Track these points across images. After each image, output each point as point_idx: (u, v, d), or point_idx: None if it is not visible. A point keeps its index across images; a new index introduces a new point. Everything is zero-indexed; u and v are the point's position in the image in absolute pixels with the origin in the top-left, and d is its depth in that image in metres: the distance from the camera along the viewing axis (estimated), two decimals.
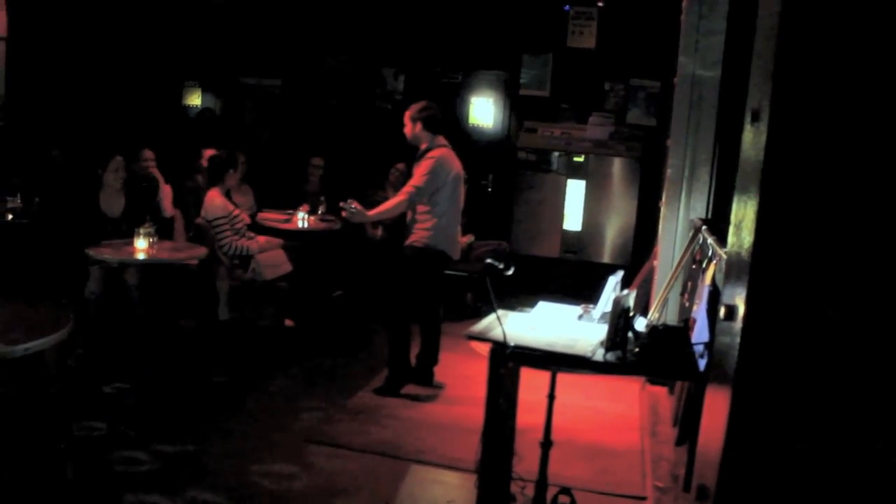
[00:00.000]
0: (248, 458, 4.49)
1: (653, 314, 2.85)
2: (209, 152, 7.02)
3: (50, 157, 7.57)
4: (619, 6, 9.15)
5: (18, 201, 6.63)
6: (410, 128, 5.70)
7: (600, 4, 9.22)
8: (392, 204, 5.70)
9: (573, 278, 9.23)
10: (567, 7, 9.28)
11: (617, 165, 9.30)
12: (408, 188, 5.57)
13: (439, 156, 5.60)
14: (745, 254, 1.89)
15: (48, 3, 8.19)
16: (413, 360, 5.78)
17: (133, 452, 4.44)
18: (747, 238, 1.86)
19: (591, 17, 9.24)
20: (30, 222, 6.48)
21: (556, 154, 9.35)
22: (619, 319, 2.79)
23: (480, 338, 2.93)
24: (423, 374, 5.80)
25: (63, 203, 6.65)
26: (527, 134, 9.46)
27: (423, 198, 5.52)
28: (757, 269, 1.78)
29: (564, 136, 9.33)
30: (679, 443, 4.12)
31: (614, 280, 3.34)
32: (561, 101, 9.51)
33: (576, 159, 9.31)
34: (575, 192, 9.32)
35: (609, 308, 2.99)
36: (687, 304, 5.05)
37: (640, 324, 2.96)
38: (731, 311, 1.91)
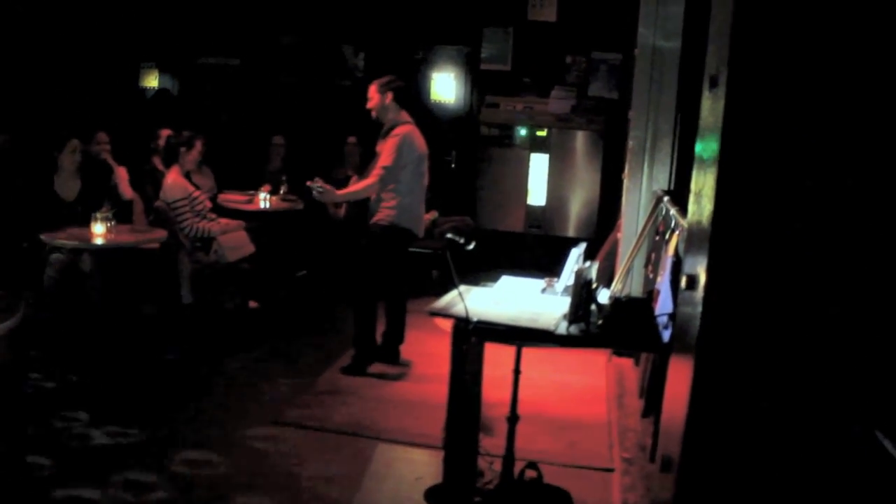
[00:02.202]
0: (210, 443, 4.43)
1: (616, 286, 2.83)
2: (165, 132, 6.89)
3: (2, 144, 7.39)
4: None
5: None
6: (379, 99, 5.60)
7: None
8: (363, 185, 5.63)
9: (538, 252, 9.24)
10: None
11: (580, 139, 9.29)
12: (377, 170, 5.48)
13: (404, 133, 5.52)
14: (705, 223, 1.87)
15: None
16: (379, 339, 5.75)
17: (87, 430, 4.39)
18: (707, 207, 1.84)
19: None
20: None
21: (519, 128, 9.31)
22: (582, 292, 2.77)
23: (443, 314, 2.89)
24: (390, 352, 5.77)
25: (15, 188, 6.50)
26: (489, 109, 9.41)
27: (395, 175, 5.44)
28: (717, 238, 1.77)
29: (527, 111, 9.29)
30: (645, 414, 4.15)
31: (577, 252, 3.32)
32: (523, 75, 9.45)
33: (538, 133, 9.28)
34: (538, 166, 9.30)
35: (572, 281, 2.97)
36: (651, 276, 5.06)
37: (604, 296, 2.94)
38: (692, 280, 1.90)
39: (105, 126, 7.22)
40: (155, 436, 4.48)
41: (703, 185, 1.91)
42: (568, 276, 3.27)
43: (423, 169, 5.71)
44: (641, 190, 5.83)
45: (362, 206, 6.05)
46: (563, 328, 2.80)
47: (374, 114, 5.65)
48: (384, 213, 5.53)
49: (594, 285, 2.92)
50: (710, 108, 1.91)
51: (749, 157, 1.72)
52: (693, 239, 2.02)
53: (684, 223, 3.77)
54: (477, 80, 9.60)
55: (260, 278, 6.75)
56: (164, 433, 4.52)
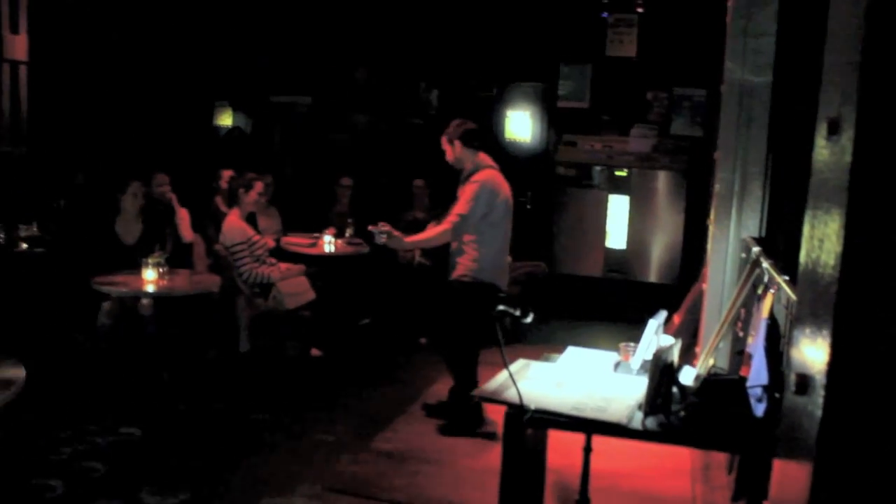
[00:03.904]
0: None
1: (703, 363, 2.40)
2: (227, 173, 6.70)
3: (73, 183, 7.35)
4: (659, 11, 8.68)
5: (35, 229, 6.38)
6: (451, 151, 5.25)
7: (640, 10, 8.76)
8: (434, 233, 5.24)
9: (618, 299, 8.77)
10: (606, 14, 8.84)
11: (662, 179, 8.83)
12: (452, 217, 5.09)
13: (484, 179, 5.13)
14: (822, 307, 1.45)
15: (70, 24, 7.98)
16: (447, 395, 5.36)
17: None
18: (826, 291, 1.43)
19: (631, 24, 8.78)
20: (45, 251, 6.22)
21: (598, 168, 8.91)
22: (662, 378, 2.33)
23: (493, 399, 2.47)
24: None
25: (79, 230, 6.40)
26: (566, 147, 9.04)
27: (470, 226, 5.05)
28: (843, 324, 1.35)
29: (606, 150, 8.89)
30: (735, 499, 3.65)
31: (655, 323, 2.87)
32: (601, 113, 9.06)
33: (618, 173, 8.86)
34: (618, 207, 8.87)
35: (649, 357, 2.55)
36: (741, 334, 4.58)
37: (688, 376, 2.48)
38: (804, 382, 1.48)
39: (173, 165, 7.10)
40: (201, 495, 4.18)
41: (819, 257, 1.50)
42: (645, 350, 2.83)
43: (507, 216, 5.26)
44: (729, 237, 5.33)
45: (440, 252, 5.66)
46: (637, 420, 2.36)
47: (452, 163, 5.30)
48: (466, 267, 5.11)
49: (675, 364, 2.47)
50: (829, 158, 1.49)
51: (889, 224, 1.30)
52: (804, 323, 1.59)
53: (781, 281, 3.31)
54: (553, 118, 9.24)
55: (322, 326, 6.47)
56: (211, 493, 4.22)
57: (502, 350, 2.59)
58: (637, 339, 3.06)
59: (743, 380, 2.43)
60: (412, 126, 9.56)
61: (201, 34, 8.99)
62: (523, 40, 8.99)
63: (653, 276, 8.94)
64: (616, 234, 8.90)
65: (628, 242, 8.91)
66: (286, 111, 9.94)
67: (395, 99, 9.66)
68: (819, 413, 1.39)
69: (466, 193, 5.11)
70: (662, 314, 2.94)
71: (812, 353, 1.48)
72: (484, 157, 5.29)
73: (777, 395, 3.14)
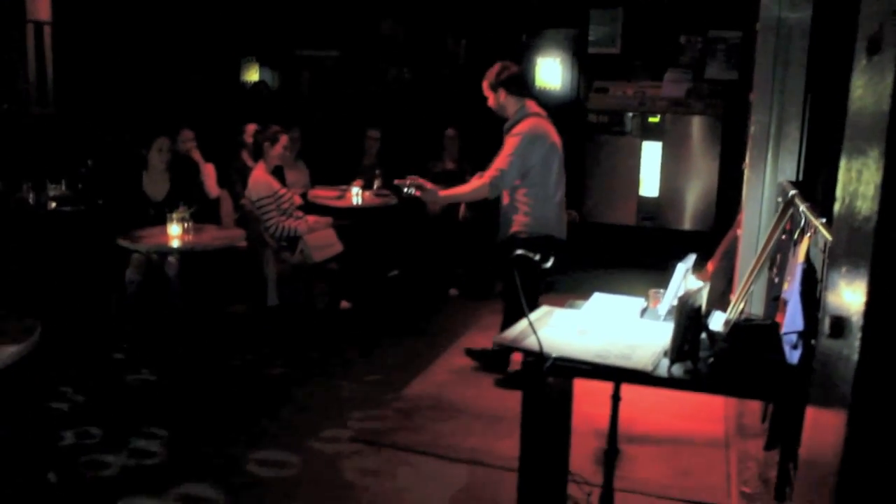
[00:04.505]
0: (286, 462, 4.12)
1: (733, 308, 2.28)
2: (251, 127, 6.63)
3: (104, 143, 7.33)
4: None
5: (63, 189, 6.38)
6: (493, 98, 5.01)
7: None
8: (470, 188, 4.96)
9: (651, 247, 8.63)
10: None
11: (696, 125, 8.61)
12: (492, 171, 4.84)
13: (527, 130, 4.87)
14: (859, 244, 1.35)
15: None
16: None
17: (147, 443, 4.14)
18: (865, 221, 1.32)
19: None
20: (74, 210, 6.22)
21: (630, 115, 8.71)
22: (688, 323, 2.22)
23: (513, 346, 2.38)
24: (502, 360, 5.27)
25: (108, 188, 6.40)
26: (597, 94, 8.83)
27: (511, 181, 4.84)
28: (881, 261, 1.24)
29: (638, 95, 8.67)
30: (768, 447, 3.56)
31: (683, 268, 2.75)
32: (633, 58, 8.82)
33: (651, 120, 8.66)
34: (651, 154, 8.68)
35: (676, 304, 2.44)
36: (776, 280, 4.45)
37: (717, 321, 2.36)
38: (839, 325, 1.38)
39: (200, 122, 7.05)
40: (223, 450, 4.19)
41: (856, 191, 1.38)
42: (673, 296, 2.72)
43: (556, 164, 4.99)
44: (765, 181, 5.18)
45: (487, 205, 5.45)
46: (663, 368, 2.26)
47: (496, 111, 5.08)
48: (520, 223, 4.92)
49: (704, 312, 2.34)
50: (868, 81, 1.37)
51: None
52: (840, 267, 1.49)
53: (818, 224, 3.18)
54: (584, 65, 9.02)
55: (351, 278, 6.43)
56: (234, 446, 4.23)
57: (521, 296, 2.50)
58: (666, 286, 2.95)
59: (775, 325, 2.31)
60: (441, 76, 9.41)
61: None
62: None
63: (687, 224, 8.78)
64: (649, 182, 8.73)
65: (661, 190, 8.74)
66: (313, 64, 9.83)
67: (423, 50, 9.50)
68: (855, 357, 1.29)
69: (507, 147, 4.88)
70: (691, 257, 2.83)
71: (848, 293, 1.38)
72: (530, 104, 5.04)
73: (813, 341, 3.04)
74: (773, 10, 4.99)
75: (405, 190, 4.70)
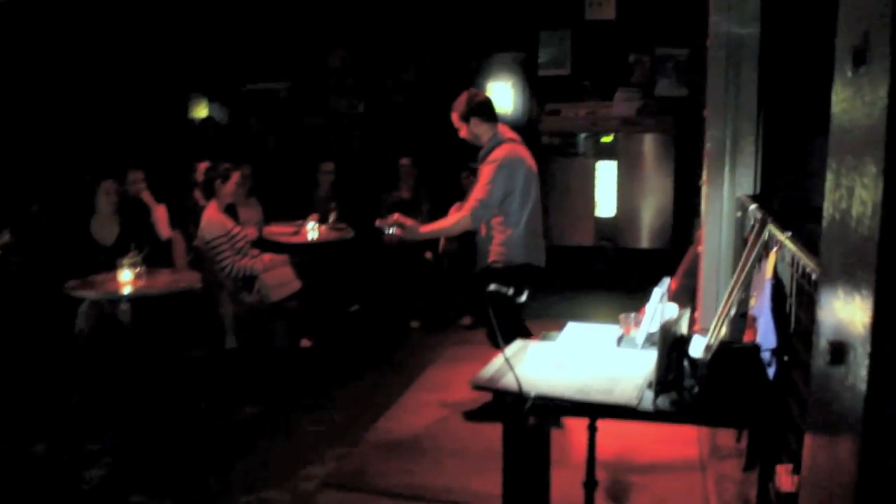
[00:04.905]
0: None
1: (713, 333, 2.18)
2: (203, 165, 6.49)
3: (48, 187, 7.11)
4: None
5: (8, 237, 6.15)
6: (466, 128, 4.83)
7: None
8: (453, 221, 4.74)
9: (611, 267, 8.63)
10: None
11: (648, 142, 8.65)
12: (471, 202, 4.67)
13: (503, 156, 4.71)
14: (857, 263, 1.27)
15: (34, 17, 7.71)
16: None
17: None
18: (863, 238, 1.25)
19: None
20: (21, 259, 6.00)
21: (583, 135, 8.73)
22: (671, 353, 2.13)
23: (490, 388, 2.26)
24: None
25: (55, 235, 6.19)
26: (550, 117, 8.84)
27: (492, 210, 4.70)
28: (888, 287, 1.16)
29: (590, 116, 8.70)
30: (748, 468, 3.50)
31: (659, 292, 2.67)
32: (583, 79, 8.87)
33: (604, 140, 8.69)
34: (606, 174, 8.70)
35: (654, 329, 2.37)
36: (742, 296, 4.41)
37: (697, 346, 2.27)
38: (840, 350, 1.30)
39: (148, 162, 6.88)
40: (193, 499, 4.02)
41: (850, 204, 1.31)
42: (649, 322, 2.63)
43: (533, 189, 4.87)
44: (723, 197, 5.17)
45: (460, 239, 5.27)
46: (648, 401, 2.17)
47: (470, 141, 4.90)
48: (496, 253, 4.77)
49: (685, 339, 2.25)
50: (856, 94, 1.30)
51: None
52: (835, 287, 1.41)
53: (784, 238, 3.14)
54: (535, 88, 9.03)
55: (310, 315, 6.28)
56: (204, 496, 4.06)
57: (497, 333, 2.39)
58: (633, 308, 2.87)
59: (757, 347, 2.24)
60: (392, 105, 9.36)
61: (172, 26, 8.73)
62: (500, 9, 8.78)
63: (644, 242, 8.79)
64: (605, 202, 8.74)
65: (618, 209, 8.75)
66: (263, 98, 9.70)
67: (373, 79, 9.44)
68: (863, 387, 1.21)
69: (484, 176, 4.72)
70: (665, 281, 2.75)
71: (847, 317, 1.30)
72: (504, 130, 4.90)
73: (786, 358, 2.99)
74: (723, 26, 5.01)
75: (387, 230, 4.52)
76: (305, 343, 6.33)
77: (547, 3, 8.77)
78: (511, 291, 2.49)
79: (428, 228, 4.79)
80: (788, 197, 5.07)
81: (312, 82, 9.56)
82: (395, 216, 4.52)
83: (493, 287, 2.57)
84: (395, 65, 9.37)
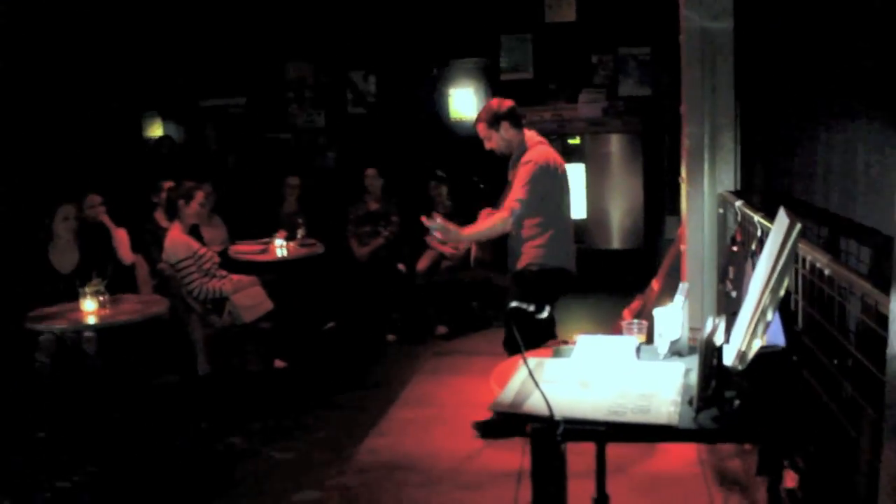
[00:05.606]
0: None
1: (746, 340, 2.01)
2: (168, 185, 6.25)
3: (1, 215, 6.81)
4: None
5: None
6: (496, 136, 4.71)
7: None
8: (491, 223, 4.61)
9: (583, 270, 8.51)
10: None
11: (615, 143, 8.60)
12: (512, 203, 4.55)
13: (538, 157, 4.63)
14: None
15: None
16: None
17: None
18: None
19: None
20: None
21: (550, 138, 8.59)
22: (713, 367, 1.94)
23: (515, 413, 2.03)
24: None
25: (11, 264, 5.90)
26: None
27: (532, 210, 4.58)
28: None
29: (556, 119, 8.62)
30: (759, 472, 3.38)
31: (680, 299, 2.49)
32: (547, 82, 8.78)
33: (571, 142, 8.61)
34: (574, 176, 8.56)
35: (678, 336, 2.22)
36: (733, 294, 4.31)
37: (728, 354, 2.08)
38: None
39: (105, 184, 6.62)
40: None
41: None
42: (673, 330, 2.45)
43: (567, 192, 4.84)
44: (704, 193, 5.09)
45: (493, 245, 5.15)
46: (688, 418, 2.01)
47: (501, 151, 4.79)
48: (532, 254, 4.66)
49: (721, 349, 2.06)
50: None
51: None
52: None
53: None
54: (498, 92, 8.86)
55: (284, 336, 6.07)
56: None
57: (523, 351, 2.20)
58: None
59: (788, 350, 2.08)
60: (353, 116, 9.18)
61: (121, 42, 8.46)
62: (460, 15, 8.65)
63: (616, 243, 8.73)
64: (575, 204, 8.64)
65: (588, 211, 8.67)
66: (219, 114, 9.46)
67: (333, 90, 9.25)
68: None
69: (521, 177, 4.59)
70: (684, 287, 2.59)
71: None
72: (531, 134, 4.84)
73: (795, 358, 2.87)
74: (695, 21, 4.93)
75: (432, 230, 4.37)
76: (280, 364, 6.12)
77: (506, 8, 8.66)
78: (532, 308, 2.32)
79: (469, 231, 4.65)
80: (772, 191, 5.01)
81: (270, 96, 9.35)
82: (440, 219, 4.39)
83: (514, 304, 2.41)
84: (354, 75, 9.19)
